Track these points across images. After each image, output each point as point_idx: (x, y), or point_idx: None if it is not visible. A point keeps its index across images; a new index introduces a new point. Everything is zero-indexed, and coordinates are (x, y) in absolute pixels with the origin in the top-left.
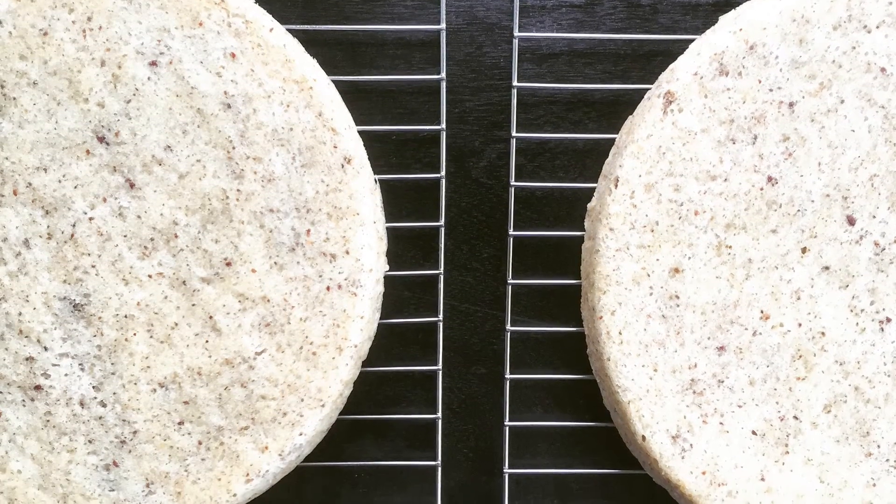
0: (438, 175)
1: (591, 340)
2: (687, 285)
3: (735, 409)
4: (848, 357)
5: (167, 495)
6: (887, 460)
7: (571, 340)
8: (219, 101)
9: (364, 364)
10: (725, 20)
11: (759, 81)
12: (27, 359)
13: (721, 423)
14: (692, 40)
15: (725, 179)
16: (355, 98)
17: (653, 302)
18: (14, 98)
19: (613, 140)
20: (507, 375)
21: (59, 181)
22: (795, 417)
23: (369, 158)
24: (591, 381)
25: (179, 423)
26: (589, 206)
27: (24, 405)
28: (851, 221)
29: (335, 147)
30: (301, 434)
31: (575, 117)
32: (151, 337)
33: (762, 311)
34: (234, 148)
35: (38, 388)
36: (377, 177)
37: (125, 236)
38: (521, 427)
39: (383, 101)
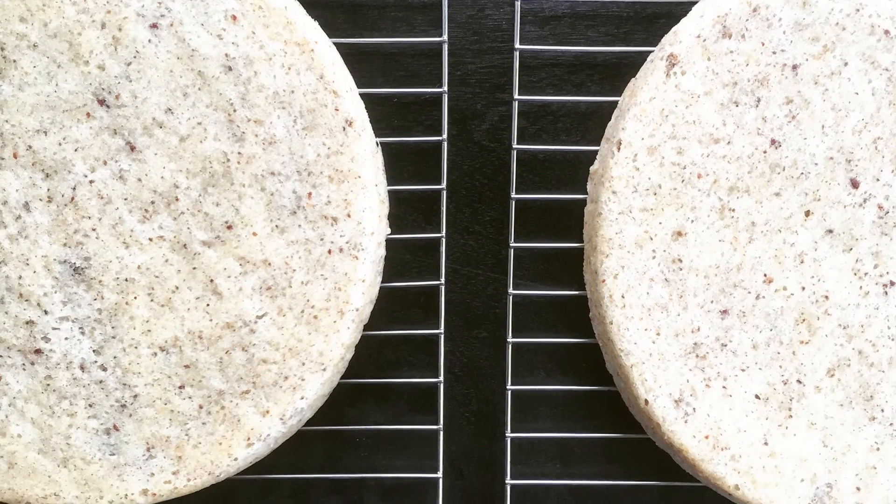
0: (440, 138)
1: (594, 304)
2: (690, 249)
3: (738, 373)
4: (851, 321)
5: (168, 459)
6: (891, 424)
7: (574, 304)
8: (220, 63)
9: (365, 328)
10: None
11: (763, 44)
12: (27, 322)
13: (724, 387)
14: (695, 2)
15: (728, 142)
16: (357, 60)
17: (655, 265)
18: (14, 60)
19: (616, 103)
20: (510, 339)
21: (60, 144)
22: (799, 381)
23: (371, 121)
24: (593, 345)
25: (180, 387)
26: (591, 168)
27: (24, 369)
28: (855, 184)
29: (336, 110)
30: (302, 398)
31: (577, 80)
32: (152, 300)
33: (765, 275)
34: (235, 111)
35: (38, 351)
36: (379, 140)
37: (126, 199)
38: (523, 391)
39: (385, 64)
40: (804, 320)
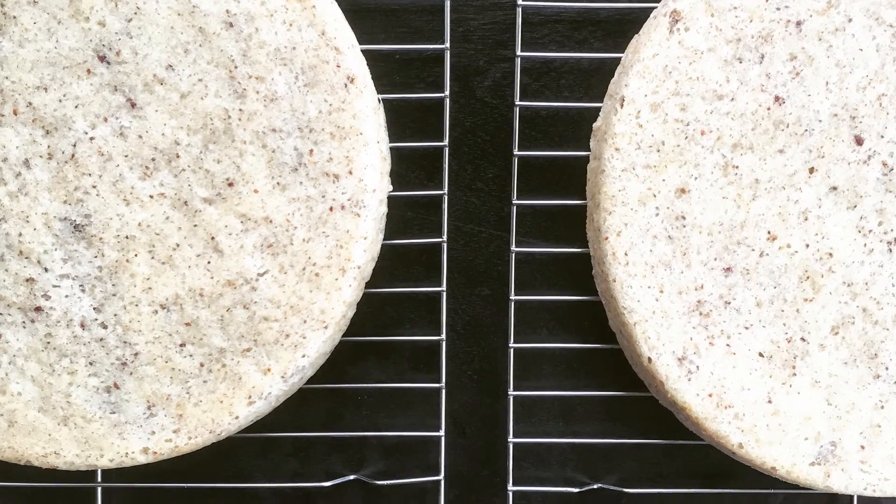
0: (442, 95)
1: (597, 261)
2: (693, 206)
3: (742, 331)
4: (856, 278)
5: (169, 417)
6: (895, 382)
7: (577, 261)
8: (221, 19)
9: (367, 285)
10: None
11: (766, 0)
12: (27, 280)
13: (728, 345)
14: None
15: (732, 99)
16: (358, 17)
17: (659, 223)
18: (14, 17)
19: (619, 59)
20: (512, 297)
21: (60, 101)
22: (803, 339)
23: (373, 78)
24: (596, 303)
25: (181, 345)
26: (594, 125)
27: (24, 327)
28: (859, 141)
29: (338, 66)
30: (304, 356)
31: (580, 36)
32: (153, 258)
33: (769, 232)
34: (236, 67)
35: (38, 309)
36: (381, 96)
37: (126, 156)
38: (525, 349)
39: (387, 20)
40: (808, 278)
